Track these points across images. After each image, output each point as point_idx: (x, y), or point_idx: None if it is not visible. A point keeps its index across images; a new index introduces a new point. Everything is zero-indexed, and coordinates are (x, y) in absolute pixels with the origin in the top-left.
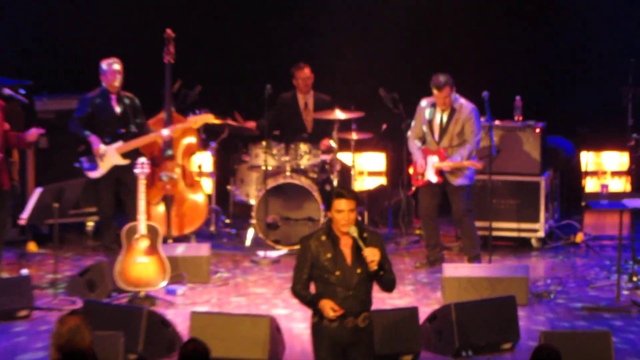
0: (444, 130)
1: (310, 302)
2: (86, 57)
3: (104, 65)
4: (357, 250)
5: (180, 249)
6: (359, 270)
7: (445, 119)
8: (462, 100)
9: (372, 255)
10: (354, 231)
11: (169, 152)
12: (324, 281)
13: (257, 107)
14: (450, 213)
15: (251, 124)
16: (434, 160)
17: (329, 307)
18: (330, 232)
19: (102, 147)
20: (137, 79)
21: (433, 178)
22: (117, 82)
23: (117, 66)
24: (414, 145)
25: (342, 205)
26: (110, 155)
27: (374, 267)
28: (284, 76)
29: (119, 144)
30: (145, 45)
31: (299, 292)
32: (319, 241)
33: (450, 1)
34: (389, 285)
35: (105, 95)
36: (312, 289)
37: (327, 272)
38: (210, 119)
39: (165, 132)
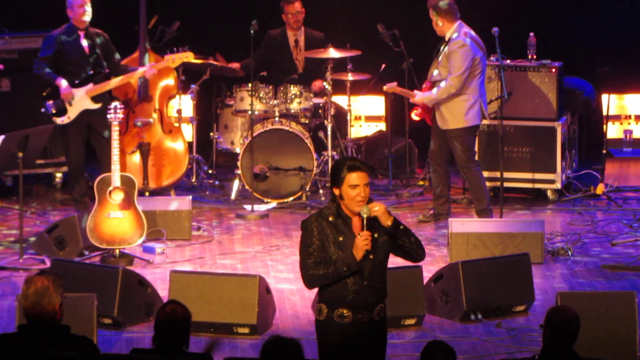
0: (433, 63)
1: (335, 270)
2: None
3: None
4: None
5: (159, 203)
6: (372, 256)
7: (441, 50)
8: (463, 32)
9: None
10: (366, 211)
11: (146, 95)
12: None
13: (242, 46)
14: None
15: (235, 65)
16: None
17: (363, 241)
18: (339, 211)
19: (71, 90)
20: (107, 14)
21: (414, 116)
22: (86, 17)
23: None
24: None
25: (356, 179)
26: (79, 99)
27: (385, 221)
28: (271, 11)
29: (90, 86)
30: None
31: (315, 274)
32: (327, 222)
33: None
34: (416, 248)
35: (72, 32)
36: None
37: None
38: (190, 57)
39: (151, 69)
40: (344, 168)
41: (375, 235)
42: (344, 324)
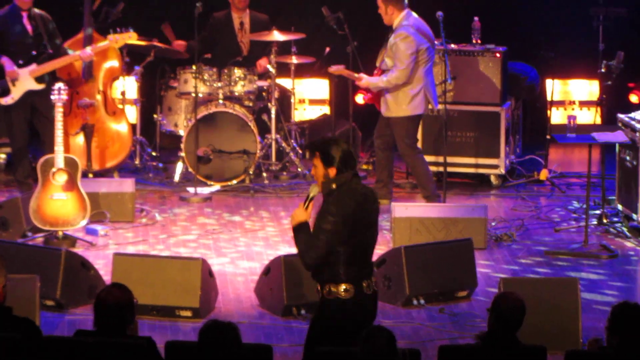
0: (381, 51)
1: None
2: None
3: None
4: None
5: (102, 184)
6: None
7: (389, 39)
8: (406, 22)
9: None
10: (314, 191)
11: (90, 76)
12: None
13: (186, 28)
14: None
15: (180, 43)
16: None
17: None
18: None
19: (15, 69)
20: None
21: (360, 100)
22: None
23: None
24: None
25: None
26: (23, 80)
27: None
28: None
29: (33, 66)
30: None
31: None
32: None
33: None
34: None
35: (15, 12)
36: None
37: None
38: (133, 38)
39: (86, 52)
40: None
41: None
42: (370, 295)
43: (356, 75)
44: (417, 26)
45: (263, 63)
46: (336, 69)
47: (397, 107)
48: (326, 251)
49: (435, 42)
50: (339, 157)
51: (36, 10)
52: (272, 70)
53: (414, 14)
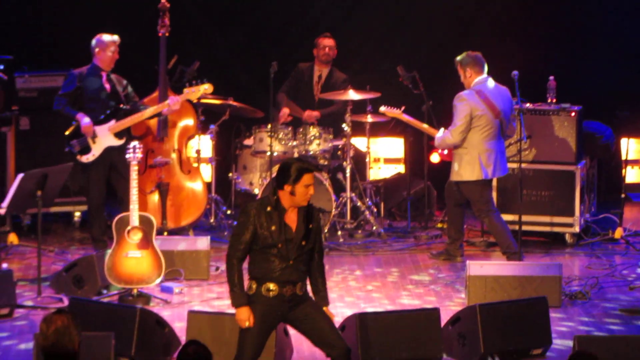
0: None
1: (234, 285)
2: (71, 29)
3: (103, 38)
4: (306, 224)
5: (177, 243)
6: (303, 243)
7: None
8: (477, 87)
9: None
10: None
11: (165, 135)
12: (263, 253)
13: (262, 86)
14: None
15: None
16: None
17: (245, 319)
18: (277, 204)
19: (92, 125)
20: (128, 54)
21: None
22: (113, 61)
23: (116, 44)
24: None
25: (311, 179)
26: (102, 136)
27: None
28: (291, 55)
29: (112, 122)
30: (137, 17)
31: (235, 266)
32: (264, 212)
33: None
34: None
35: (95, 72)
36: None
37: (269, 244)
38: (209, 89)
39: (174, 99)
40: (301, 169)
41: (310, 226)
42: (269, 298)
43: (425, 126)
44: (486, 92)
45: (311, 114)
46: (389, 110)
47: (457, 170)
48: None
49: (513, 100)
50: None
51: (113, 75)
52: (347, 129)
53: (492, 81)
